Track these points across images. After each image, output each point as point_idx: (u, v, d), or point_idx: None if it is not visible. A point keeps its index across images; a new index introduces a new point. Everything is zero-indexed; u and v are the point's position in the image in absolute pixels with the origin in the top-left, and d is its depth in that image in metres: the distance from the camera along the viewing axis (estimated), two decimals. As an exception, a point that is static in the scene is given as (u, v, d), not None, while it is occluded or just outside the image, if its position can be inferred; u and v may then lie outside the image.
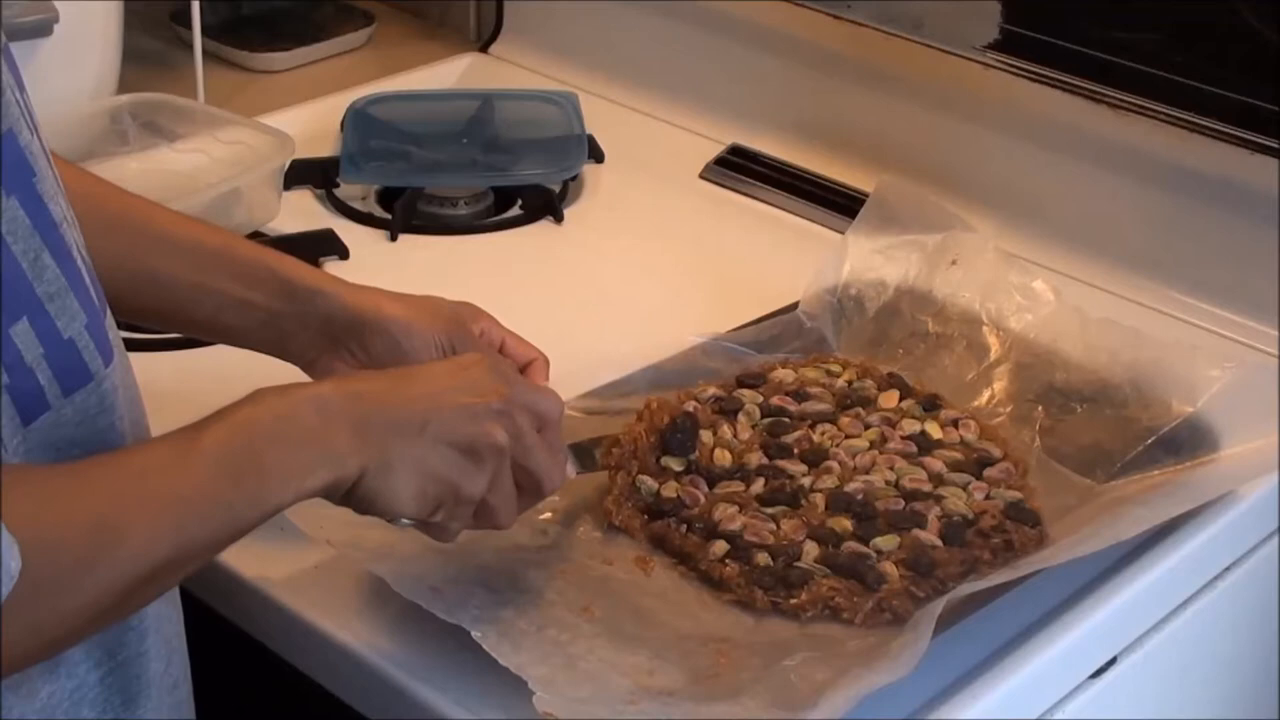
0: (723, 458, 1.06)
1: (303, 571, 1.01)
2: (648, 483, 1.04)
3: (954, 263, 1.23)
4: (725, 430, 1.09)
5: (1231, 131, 1.25)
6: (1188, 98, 1.27)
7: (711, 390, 1.12)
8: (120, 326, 1.22)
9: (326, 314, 1.00)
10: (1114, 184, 1.33)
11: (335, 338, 1.00)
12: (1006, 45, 1.36)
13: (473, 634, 0.90)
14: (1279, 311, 1.25)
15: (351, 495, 0.84)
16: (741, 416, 1.10)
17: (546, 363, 1.05)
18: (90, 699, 0.82)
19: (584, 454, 1.03)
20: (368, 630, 0.96)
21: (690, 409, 1.09)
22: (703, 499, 1.03)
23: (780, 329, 1.20)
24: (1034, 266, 1.24)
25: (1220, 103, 1.25)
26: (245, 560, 1.01)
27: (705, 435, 1.08)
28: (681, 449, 1.06)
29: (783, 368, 1.15)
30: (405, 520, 0.87)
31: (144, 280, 0.98)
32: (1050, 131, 1.35)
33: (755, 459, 1.06)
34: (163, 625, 0.88)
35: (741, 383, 1.13)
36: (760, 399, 1.11)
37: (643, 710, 0.87)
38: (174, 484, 0.77)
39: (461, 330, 1.03)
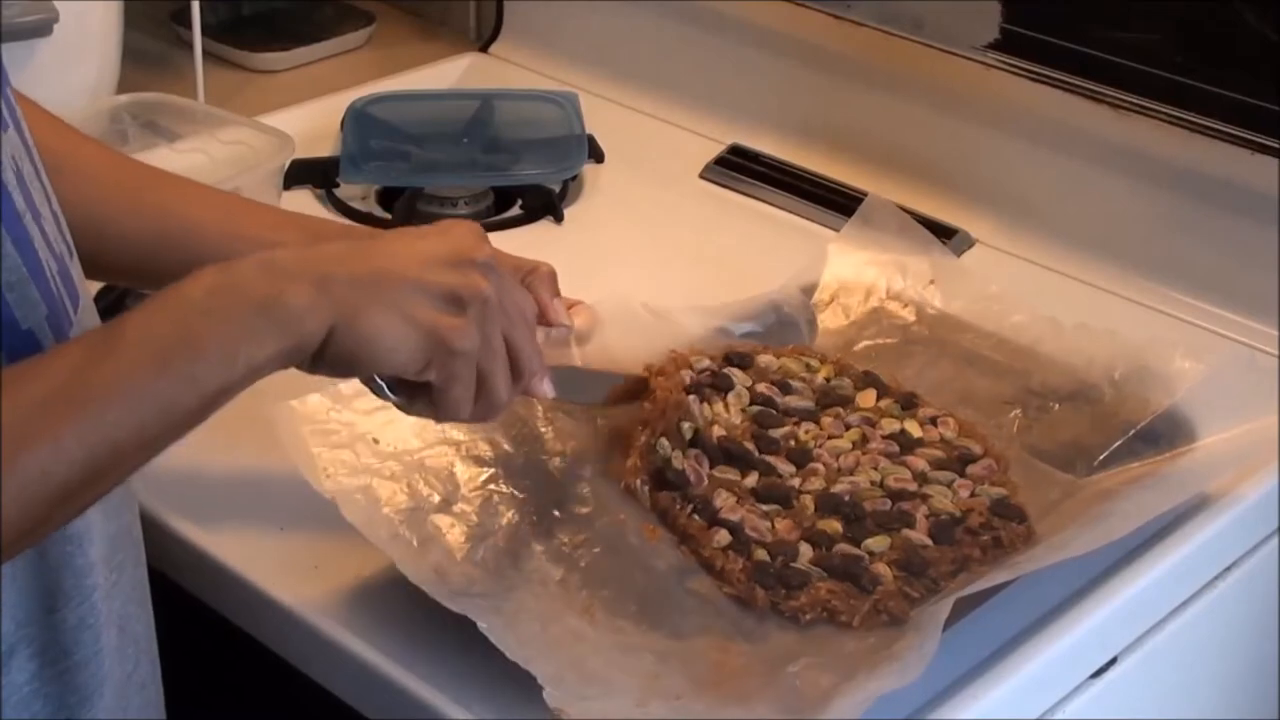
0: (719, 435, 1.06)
1: (303, 572, 1.00)
2: (665, 445, 1.04)
3: (931, 283, 1.23)
4: (720, 408, 1.08)
5: (1231, 131, 1.25)
6: (1188, 98, 1.27)
7: (706, 360, 1.11)
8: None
9: None
10: (1114, 184, 1.33)
11: None
12: (1006, 45, 1.36)
13: (479, 626, 0.88)
14: (1279, 311, 1.25)
15: (322, 359, 0.78)
16: (732, 397, 1.09)
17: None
18: (45, 694, 0.81)
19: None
20: (368, 630, 0.96)
21: (687, 380, 1.08)
22: (705, 480, 1.03)
23: (759, 309, 1.20)
24: (1011, 295, 1.22)
25: (1220, 103, 1.25)
26: (245, 560, 1.01)
27: (706, 410, 1.07)
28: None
29: (765, 352, 1.15)
30: (392, 395, 0.80)
31: (178, 233, 0.98)
32: (1050, 131, 1.35)
33: (748, 449, 1.06)
34: (129, 624, 0.87)
35: (730, 360, 1.13)
36: (750, 382, 1.11)
37: (654, 711, 0.86)
38: (89, 381, 0.72)
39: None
